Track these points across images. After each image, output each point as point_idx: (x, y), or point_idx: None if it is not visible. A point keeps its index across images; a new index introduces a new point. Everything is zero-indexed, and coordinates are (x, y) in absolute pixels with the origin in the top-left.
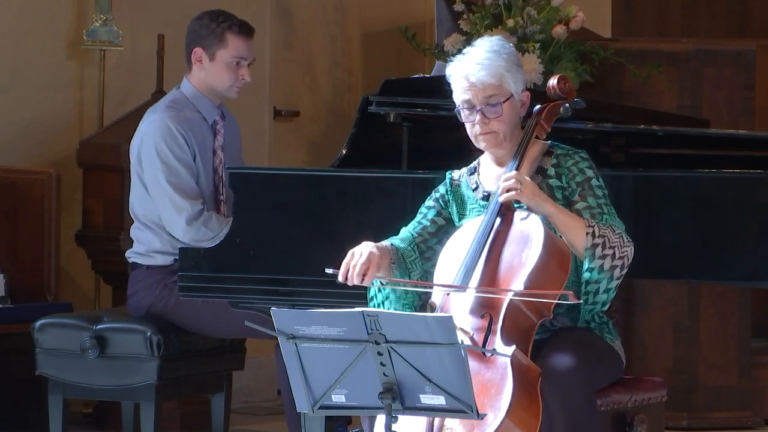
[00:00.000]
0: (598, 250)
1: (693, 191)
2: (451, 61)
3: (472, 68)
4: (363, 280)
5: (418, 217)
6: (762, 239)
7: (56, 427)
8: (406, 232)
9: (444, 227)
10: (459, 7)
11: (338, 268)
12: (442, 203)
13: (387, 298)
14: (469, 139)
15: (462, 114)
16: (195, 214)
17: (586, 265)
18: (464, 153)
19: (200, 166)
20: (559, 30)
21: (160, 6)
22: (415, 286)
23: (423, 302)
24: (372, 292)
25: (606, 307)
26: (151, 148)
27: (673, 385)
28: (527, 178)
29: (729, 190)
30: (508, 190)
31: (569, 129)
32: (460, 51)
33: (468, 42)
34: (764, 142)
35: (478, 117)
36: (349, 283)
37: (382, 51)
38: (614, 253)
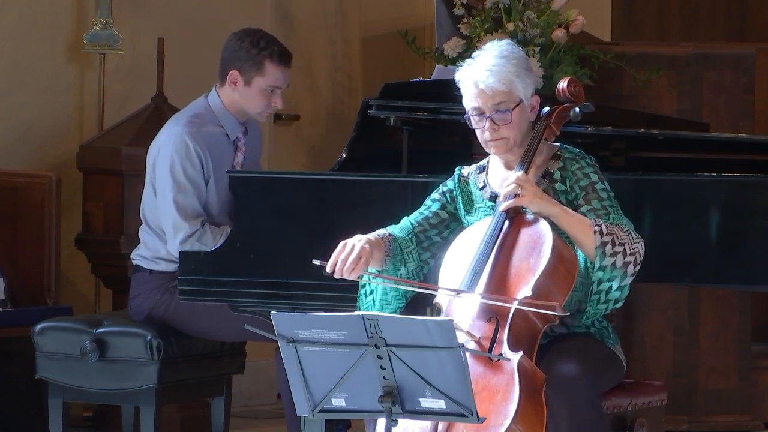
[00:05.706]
0: (608, 247)
1: (693, 195)
2: (460, 66)
3: (481, 74)
4: (351, 274)
5: (422, 208)
6: (762, 243)
7: (56, 430)
8: (406, 221)
9: (446, 221)
10: (459, 10)
11: (326, 260)
12: (448, 198)
13: (372, 291)
14: (472, 143)
15: (472, 120)
16: (190, 234)
17: (597, 264)
18: (464, 156)
19: (213, 186)
20: (559, 34)
21: (160, 10)
22: (400, 284)
23: (412, 297)
24: (362, 285)
25: (620, 305)
26: (166, 162)
27: (673, 388)
28: (529, 180)
29: (729, 193)
30: (508, 196)
31: (569, 133)
32: (459, 55)
33: (468, 45)
34: (764, 146)
35: (487, 124)
36: (337, 276)
37: (382, 54)
38: (625, 249)
